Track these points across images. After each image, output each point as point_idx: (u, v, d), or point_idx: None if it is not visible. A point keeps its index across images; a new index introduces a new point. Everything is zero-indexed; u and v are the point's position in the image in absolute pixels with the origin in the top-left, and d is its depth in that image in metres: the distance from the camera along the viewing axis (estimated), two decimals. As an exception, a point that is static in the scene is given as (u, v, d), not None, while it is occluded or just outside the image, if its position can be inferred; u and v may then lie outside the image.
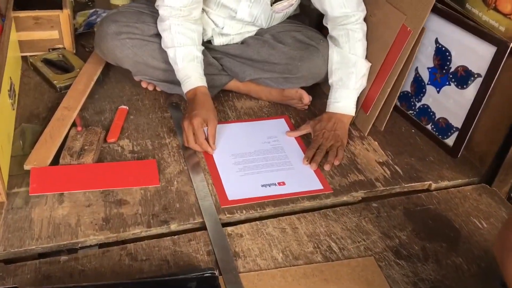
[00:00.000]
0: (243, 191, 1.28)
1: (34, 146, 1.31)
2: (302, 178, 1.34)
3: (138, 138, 1.44)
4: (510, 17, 1.29)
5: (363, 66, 1.48)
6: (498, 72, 1.31)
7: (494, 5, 1.33)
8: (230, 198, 1.25)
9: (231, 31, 1.59)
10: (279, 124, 1.56)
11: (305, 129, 1.49)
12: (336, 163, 1.38)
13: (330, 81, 1.52)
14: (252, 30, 1.62)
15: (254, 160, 1.39)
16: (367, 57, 1.51)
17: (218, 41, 1.61)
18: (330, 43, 1.53)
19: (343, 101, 1.48)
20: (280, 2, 1.51)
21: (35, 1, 1.78)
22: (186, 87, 1.43)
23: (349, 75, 1.47)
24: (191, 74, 1.42)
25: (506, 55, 1.28)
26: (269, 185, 1.31)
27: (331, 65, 1.51)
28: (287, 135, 1.48)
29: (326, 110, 1.50)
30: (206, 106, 1.38)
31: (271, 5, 1.52)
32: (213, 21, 1.58)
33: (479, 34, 1.35)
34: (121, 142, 1.41)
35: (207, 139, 1.37)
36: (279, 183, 1.31)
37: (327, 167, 1.36)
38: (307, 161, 1.37)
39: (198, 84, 1.42)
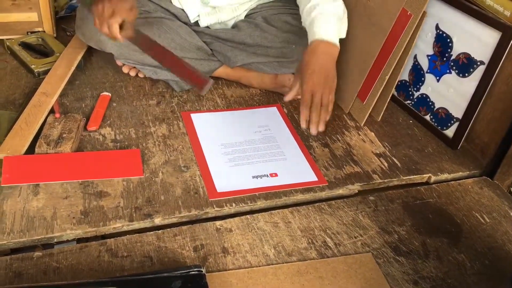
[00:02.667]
0: (232, 183, 1.20)
1: (7, 133, 1.22)
2: (296, 169, 1.26)
3: (121, 127, 1.35)
4: (516, 0, 1.22)
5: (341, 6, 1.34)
6: (503, 59, 1.25)
7: (498, -12, 1.26)
8: (219, 190, 1.17)
9: (218, 2, 1.50)
10: (271, 113, 1.48)
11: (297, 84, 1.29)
12: (327, 118, 1.23)
13: (304, 23, 1.34)
14: (238, 3, 1.52)
15: (245, 150, 1.31)
16: (363, 42, 1.44)
17: (205, 21, 1.52)
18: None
19: (323, 26, 1.26)
20: None
21: (12, -19, 1.68)
22: None
23: (326, 5, 1.30)
24: None
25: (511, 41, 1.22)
26: (261, 176, 1.23)
27: (306, 9, 1.32)
28: (285, 99, 1.31)
29: (308, 47, 1.27)
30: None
31: None
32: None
33: (482, 19, 1.28)
34: (102, 130, 1.32)
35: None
36: (271, 174, 1.24)
37: (321, 127, 1.21)
38: (305, 124, 1.22)
39: None
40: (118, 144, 1.29)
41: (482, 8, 1.30)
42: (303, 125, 1.22)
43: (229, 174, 1.22)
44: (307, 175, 1.25)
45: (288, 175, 1.24)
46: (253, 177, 1.22)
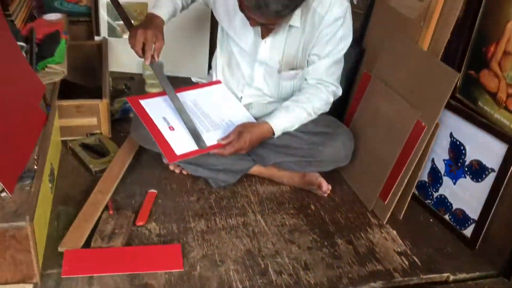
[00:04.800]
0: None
1: (68, 228, 1.40)
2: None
3: (164, 222, 1.51)
4: (520, 116, 1.36)
5: (309, 111, 1.59)
6: (511, 168, 1.36)
7: (504, 104, 1.41)
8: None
9: (248, 99, 1.73)
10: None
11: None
12: (223, 152, 1.52)
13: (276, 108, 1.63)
14: (266, 102, 1.75)
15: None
16: (383, 148, 1.59)
17: None
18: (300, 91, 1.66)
19: (278, 116, 1.57)
20: (286, 71, 1.64)
21: (77, 91, 1.95)
22: (153, 10, 1.65)
23: (295, 106, 1.59)
24: (163, 6, 1.66)
25: (518, 152, 1.34)
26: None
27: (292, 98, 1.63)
28: (218, 152, 1.54)
29: (263, 119, 1.60)
30: (159, 28, 1.59)
31: (279, 73, 1.64)
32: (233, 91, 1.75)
33: (491, 132, 1.42)
34: (149, 225, 1.49)
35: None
36: None
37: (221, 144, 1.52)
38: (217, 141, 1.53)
39: (161, 15, 1.63)
40: (162, 238, 1.45)
41: (490, 121, 1.45)
42: (217, 141, 1.54)
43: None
44: None
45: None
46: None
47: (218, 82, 1.78)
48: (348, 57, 1.88)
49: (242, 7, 1.42)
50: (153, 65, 1.58)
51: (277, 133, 1.58)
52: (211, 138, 1.54)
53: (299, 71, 1.63)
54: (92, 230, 1.41)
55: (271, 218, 1.58)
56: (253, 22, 1.45)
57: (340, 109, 1.94)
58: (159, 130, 1.51)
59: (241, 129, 1.52)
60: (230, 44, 1.70)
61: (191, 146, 1.50)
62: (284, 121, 1.57)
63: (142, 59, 1.57)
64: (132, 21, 1.76)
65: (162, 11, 1.65)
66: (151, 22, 1.60)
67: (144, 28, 1.55)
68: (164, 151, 1.48)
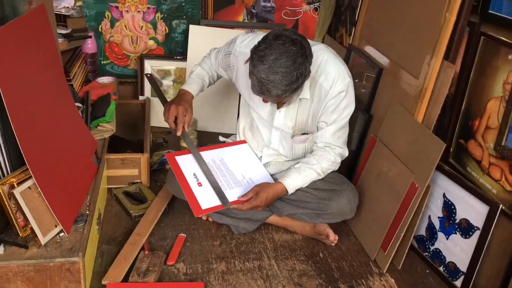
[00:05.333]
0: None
1: (111, 264, 1.66)
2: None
3: (191, 262, 1.76)
4: (500, 183, 1.56)
5: (318, 171, 1.84)
6: (492, 227, 1.56)
7: (487, 171, 1.62)
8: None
9: (267, 159, 1.99)
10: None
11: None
12: (241, 208, 1.77)
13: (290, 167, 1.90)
14: (283, 161, 2.00)
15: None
16: (384, 204, 1.81)
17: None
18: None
19: (291, 176, 1.82)
20: (299, 136, 1.91)
21: (122, 144, 2.27)
22: (184, 86, 1.97)
23: (306, 167, 1.83)
24: (192, 83, 1.98)
25: (497, 214, 1.54)
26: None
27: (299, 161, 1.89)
28: (238, 207, 1.78)
29: (277, 180, 1.85)
30: (189, 103, 1.90)
31: (292, 137, 1.90)
32: (253, 151, 2.02)
33: (476, 194, 1.62)
34: (177, 265, 1.74)
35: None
36: None
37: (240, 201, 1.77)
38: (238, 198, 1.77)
39: (191, 91, 1.95)
40: (188, 276, 1.69)
41: (476, 184, 1.65)
42: (238, 198, 1.78)
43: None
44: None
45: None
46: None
47: (243, 142, 2.05)
48: (359, 122, 2.15)
49: (253, 91, 1.69)
50: (183, 135, 1.87)
51: (290, 191, 1.82)
52: (232, 194, 1.78)
53: (309, 136, 1.89)
54: (130, 267, 1.67)
55: (283, 263, 1.80)
56: (265, 100, 1.74)
57: (351, 167, 2.18)
58: (189, 185, 1.78)
59: (258, 189, 1.77)
60: (251, 112, 1.99)
61: (215, 202, 1.74)
62: (296, 181, 1.81)
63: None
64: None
65: (192, 88, 1.96)
66: (182, 98, 1.90)
67: (176, 104, 1.86)
68: (191, 205, 1.72)
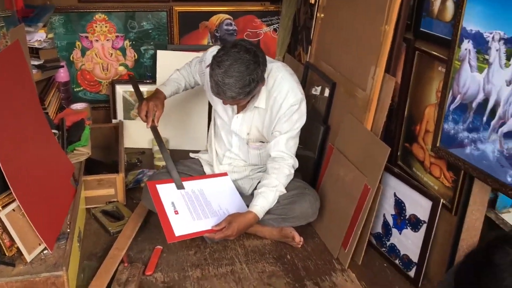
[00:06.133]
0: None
1: (92, 278, 1.78)
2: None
3: (168, 271, 1.89)
4: (440, 179, 1.76)
5: (281, 190, 1.98)
6: (436, 220, 1.75)
7: (429, 170, 1.81)
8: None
9: (228, 161, 2.17)
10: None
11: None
12: (213, 237, 1.89)
13: (255, 191, 2.01)
14: (242, 165, 2.18)
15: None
16: (342, 206, 1.99)
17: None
18: (266, 171, 2.03)
19: (259, 203, 1.94)
20: (253, 143, 2.10)
21: (98, 166, 2.40)
22: (159, 87, 2.20)
23: (269, 191, 1.96)
24: (168, 85, 2.22)
25: (439, 208, 1.73)
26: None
27: (260, 184, 2.01)
28: (210, 236, 1.91)
29: (248, 209, 1.94)
30: (160, 100, 2.13)
31: (247, 143, 2.09)
32: (216, 152, 2.19)
33: (420, 192, 1.81)
34: (155, 274, 1.87)
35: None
36: None
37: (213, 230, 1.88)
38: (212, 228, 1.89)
39: (164, 91, 2.18)
40: (166, 284, 1.82)
41: (421, 183, 1.84)
42: (213, 228, 1.89)
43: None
44: None
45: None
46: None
47: (224, 174, 2.19)
48: (318, 133, 2.34)
49: (212, 92, 1.88)
50: (152, 128, 2.08)
51: (261, 216, 1.95)
52: (207, 224, 1.91)
53: (264, 144, 2.07)
54: (111, 279, 1.79)
55: (254, 266, 1.95)
56: (224, 102, 1.93)
57: (314, 174, 2.36)
58: (165, 212, 1.90)
59: (231, 219, 1.89)
60: (216, 117, 2.18)
61: (189, 230, 1.86)
62: (264, 205, 1.95)
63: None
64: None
65: (166, 89, 2.20)
66: (154, 96, 2.15)
67: (147, 100, 2.10)
68: (165, 231, 1.84)
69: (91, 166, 2.36)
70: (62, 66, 2.71)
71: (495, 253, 0.92)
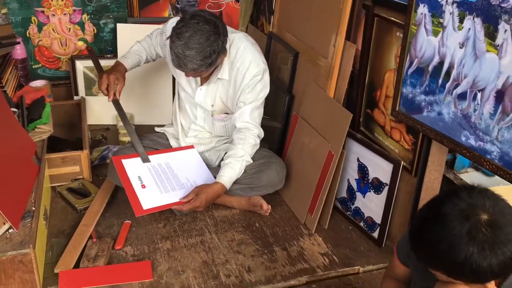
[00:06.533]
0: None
1: (61, 255, 1.78)
2: None
3: (138, 245, 1.90)
4: (400, 143, 1.82)
5: (247, 159, 2.00)
6: (397, 182, 1.81)
7: (390, 134, 1.86)
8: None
9: (193, 133, 2.18)
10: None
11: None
12: (182, 209, 1.90)
13: (221, 162, 2.02)
14: (208, 137, 2.19)
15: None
16: (308, 173, 2.03)
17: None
18: (232, 142, 2.04)
19: (226, 174, 1.95)
20: (218, 114, 2.10)
21: (61, 144, 2.36)
22: (120, 59, 2.17)
23: (235, 161, 1.97)
24: (128, 57, 2.18)
25: (400, 170, 1.79)
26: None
27: (227, 155, 2.02)
28: (178, 208, 1.92)
29: (216, 180, 1.95)
30: (121, 73, 2.09)
31: (212, 115, 2.09)
32: (182, 125, 2.19)
33: (382, 155, 1.87)
34: (125, 248, 1.88)
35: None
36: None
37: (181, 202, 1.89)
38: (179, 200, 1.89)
39: (125, 64, 2.14)
40: (136, 257, 1.83)
41: (382, 147, 1.90)
42: (180, 200, 1.89)
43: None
44: None
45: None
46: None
47: (191, 147, 2.18)
48: (283, 102, 2.35)
49: (173, 65, 1.87)
50: (114, 102, 2.05)
51: (229, 187, 1.97)
52: (175, 196, 1.91)
53: (229, 116, 2.08)
54: (80, 255, 1.79)
55: (223, 236, 1.98)
56: (187, 75, 1.92)
57: (280, 143, 2.39)
58: (132, 187, 1.90)
59: (198, 190, 1.89)
60: (180, 90, 2.17)
61: (156, 203, 1.87)
62: (232, 176, 1.96)
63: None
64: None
65: (126, 62, 2.16)
66: (114, 69, 2.11)
67: (108, 73, 2.05)
68: (133, 205, 1.84)
69: (55, 144, 2.32)
70: (18, 43, 2.62)
71: (445, 204, 0.96)
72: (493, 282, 1.01)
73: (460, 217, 0.94)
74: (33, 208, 1.75)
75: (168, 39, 1.85)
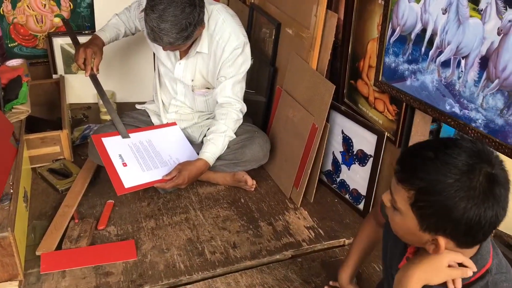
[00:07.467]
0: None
1: (43, 237, 1.75)
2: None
3: (121, 224, 1.88)
4: (384, 113, 1.79)
5: (230, 135, 1.97)
6: (382, 153, 1.79)
7: (373, 105, 1.83)
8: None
9: (174, 109, 2.13)
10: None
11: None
12: (164, 186, 1.86)
13: (204, 139, 2.00)
14: (189, 112, 2.14)
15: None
16: (292, 146, 2.00)
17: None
18: (215, 118, 2.01)
19: (209, 150, 1.92)
20: (199, 89, 2.06)
21: (41, 124, 2.30)
22: (97, 32, 2.12)
23: (218, 136, 1.95)
24: (106, 30, 2.12)
25: (384, 141, 1.77)
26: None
27: (209, 131, 1.99)
28: (161, 186, 1.87)
29: (198, 157, 1.93)
30: (98, 46, 2.04)
31: (192, 90, 2.04)
32: (162, 101, 2.14)
33: (366, 127, 1.84)
34: (108, 228, 1.85)
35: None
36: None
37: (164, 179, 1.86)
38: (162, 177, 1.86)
39: (102, 37, 2.09)
40: (119, 237, 1.81)
41: (366, 118, 1.87)
42: (163, 178, 1.86)
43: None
44: None
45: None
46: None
47: (173, 124, 2.14)
48: (266, 75, 2.31)
49: (149, 38, 1.81)
50: (91, 77, 2.00)
51: (212, 163, 1.93)
52: (158, 174, 1.88)
53: (210, 90, 2.03)
54: (62, 236, 1.76)
55: (208, 212, 1.96)
56: (164, 48, 1.86)
57: (264, 117, 2.35)
58: (113, 165, 1.86)
59: (181, 167, 1.86)
60: (159, 65, 2.11)
61: (139, 181, 1.83)
62: (215, 152, 1.93)
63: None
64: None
65: (104, 35, 2.10)
66: (92, 42, 2.04)
67: (85, 47, 1.99)
68: (114, 183, 1.81)
69: (35, 125, 2.26)
70: (-9, 21, 2.53)
71: (450, 147, 0.95)
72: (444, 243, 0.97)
73: (467, 160, 0.91)
74: (11, 191, 1.70)
75: (142, 12, 1.79)
